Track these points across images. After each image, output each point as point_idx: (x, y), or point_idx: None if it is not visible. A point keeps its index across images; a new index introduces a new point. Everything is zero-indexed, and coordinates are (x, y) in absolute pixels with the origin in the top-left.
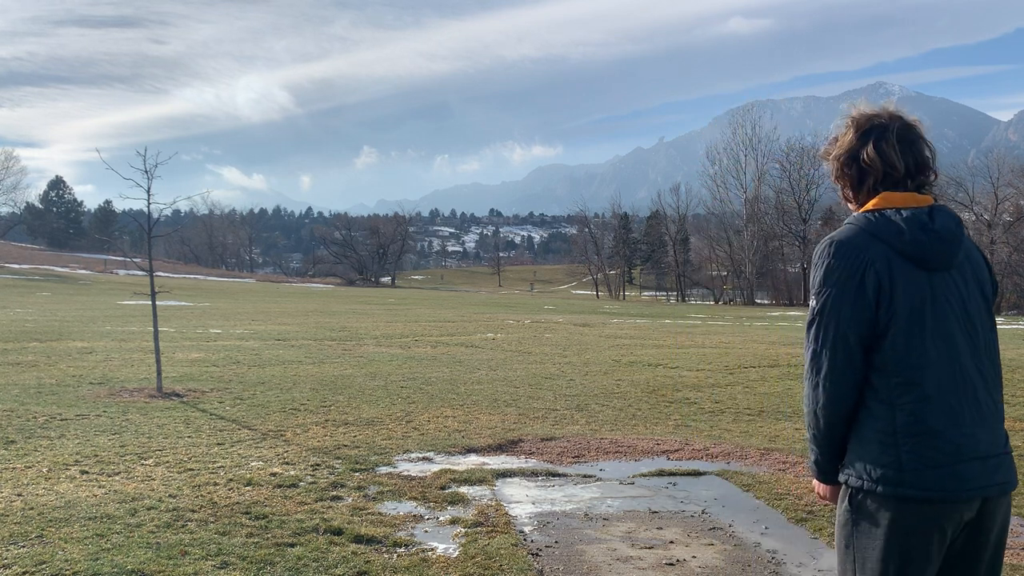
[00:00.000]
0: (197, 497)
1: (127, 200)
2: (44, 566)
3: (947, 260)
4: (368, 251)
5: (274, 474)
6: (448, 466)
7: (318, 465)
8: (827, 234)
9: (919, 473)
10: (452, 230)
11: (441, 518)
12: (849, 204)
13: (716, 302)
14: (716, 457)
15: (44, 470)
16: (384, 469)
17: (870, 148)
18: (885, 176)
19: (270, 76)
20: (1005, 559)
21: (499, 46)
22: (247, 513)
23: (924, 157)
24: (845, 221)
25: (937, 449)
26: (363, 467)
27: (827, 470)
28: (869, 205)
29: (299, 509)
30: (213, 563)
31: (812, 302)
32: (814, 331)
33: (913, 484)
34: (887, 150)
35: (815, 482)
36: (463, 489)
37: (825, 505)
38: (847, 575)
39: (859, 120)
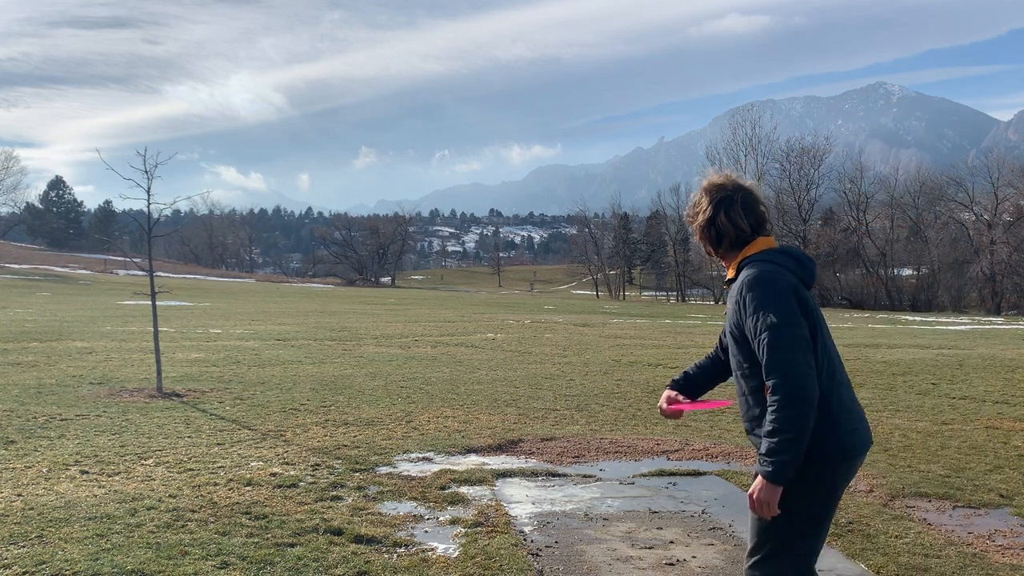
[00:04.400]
0: (197, 497)
1: (127, 200)
2: (44, 566)
3: (814, 281)
4: (368, 251)
5: (274, 474)
6: (448, 466)
7: (318, 465)
8: (826, 235)
9: (852, 436)
10: (452, 230)
11: (441, 518)
12: (710, 255)
13: (716, 302)
14: (716, 457)
15: (44, 470)
16: (384, 469)
17: (722, 216)
18: (737, 235)
19: (264, 76)
20: (1005, 559)
21: (493, 47)
22: (247, 513)
23: (762, 214)
24: (755, 260)
25: (855, 418)
26: (363, 467)
27: (798, 464)
28: (754, 249)
29: (299, 509)
30: (213, 563)
31: (771, 317)
32: (784, 339)
33: (853, 445)
34: (735, 216)
35: (772, 490)
36: (463, 489)
37: None
38: (798, 530)
39: (711, 191)
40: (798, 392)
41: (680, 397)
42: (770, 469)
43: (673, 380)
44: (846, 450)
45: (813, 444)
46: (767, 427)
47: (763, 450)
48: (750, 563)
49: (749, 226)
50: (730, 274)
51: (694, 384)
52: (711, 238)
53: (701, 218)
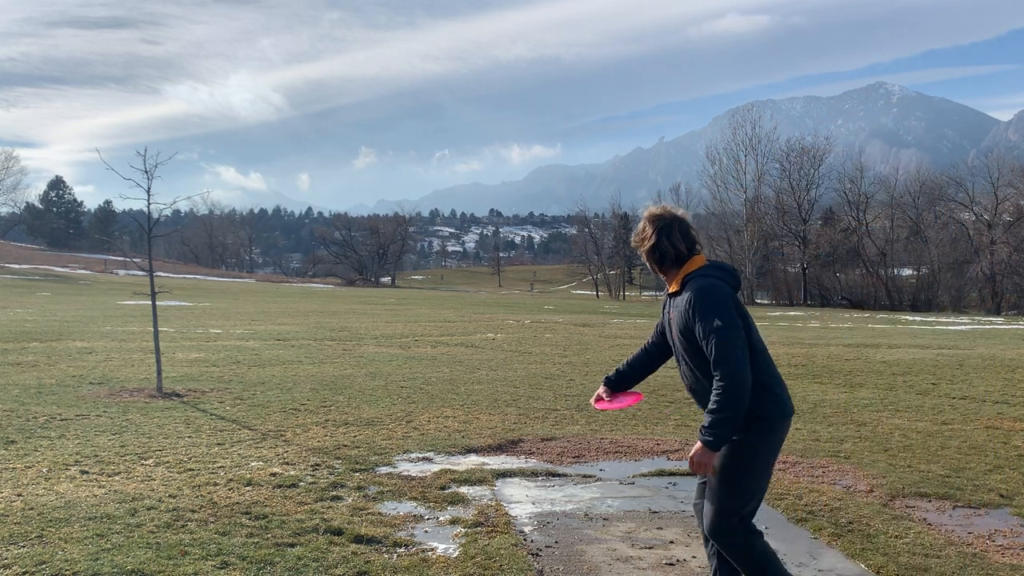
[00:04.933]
0: (197, 497)
1: (127, 200)
2: (44, 566)
3: (740, 286)
4: (368, 251)
5: (274, 474)
6: (448, 466)
7: (318, 465)
8: (826, 235)
9: (790, 402)
10: (452, 230)
11: (441, 518)
12: (654, 272)
13: None
14: None
15: (44, 470)
16: (384, 469)
17: (664, 240)
18: (676, 255)
19: (264, 77)
20: (1005, 559)
21: (492, 47)
22: (247, 513)
23: (693, 237)
24: (697, 276)
25: (786, 389)
26: (363, 467)
27: (731, 435)
28: (693, 267)
29: (299, 509)
30: (213, 563)
31: (716, 322)
32: (728, 339)
33: (791, 408)
34: (674, 241)
35: (709, 455)
36: (463, 489)
37: (824, 506)
38: (747, 484)
39: (653, 220)
40: (738, 381)
41: (604, 395)
42: (710, 439)
43: (607, 377)
44: (789, 411)
45: (769, 411)
46: (711, 406)
47: (705, 423)
48: (717, 507)
49: (686, 248)
50: (673, 288)
51: (625, 380)
52: (656, 259)
53: (647, 243)
